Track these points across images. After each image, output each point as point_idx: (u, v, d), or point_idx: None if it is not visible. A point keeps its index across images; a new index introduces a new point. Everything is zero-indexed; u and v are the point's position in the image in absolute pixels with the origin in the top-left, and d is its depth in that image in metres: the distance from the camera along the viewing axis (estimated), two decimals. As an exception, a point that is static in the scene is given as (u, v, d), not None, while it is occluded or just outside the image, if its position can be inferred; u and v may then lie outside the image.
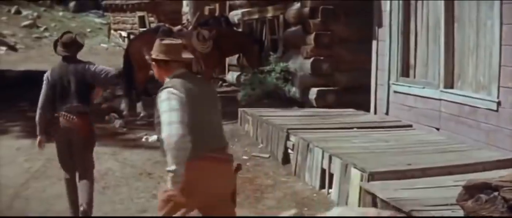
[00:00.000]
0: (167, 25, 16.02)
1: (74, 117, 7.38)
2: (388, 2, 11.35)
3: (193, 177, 4.88)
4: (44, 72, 7.78)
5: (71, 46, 7.75)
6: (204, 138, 5.02)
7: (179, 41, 5.63)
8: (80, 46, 7.91)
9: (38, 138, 7.75)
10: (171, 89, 5.04)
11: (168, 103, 4.96)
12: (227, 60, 18.41)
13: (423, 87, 10.33)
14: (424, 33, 10.56)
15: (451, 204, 6.14)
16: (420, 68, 10.71)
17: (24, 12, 41.25)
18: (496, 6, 8.50)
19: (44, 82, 7.67)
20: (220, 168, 5.16)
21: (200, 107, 5.07)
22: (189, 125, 4.85)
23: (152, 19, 31.38)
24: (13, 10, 41.07)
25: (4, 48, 33.33)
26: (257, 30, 17.15)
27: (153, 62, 5.40)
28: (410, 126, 10.66)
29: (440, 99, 9.81)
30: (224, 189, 5.30)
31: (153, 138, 12.17)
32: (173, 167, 4.74)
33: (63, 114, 7.49)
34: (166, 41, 5.44)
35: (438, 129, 9.93)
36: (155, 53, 5.39)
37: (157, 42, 5.46)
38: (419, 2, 10.66)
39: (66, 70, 7.61)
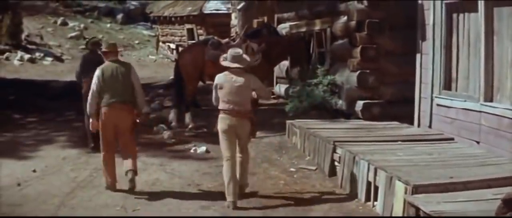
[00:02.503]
0: (216, 37, 16.32)
1: None
2: (432, 16, 11.45)
3: None
4: None
5: (95, 45, 12.97)
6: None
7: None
8: (101, 45, 12.12)
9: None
10: None
11: None
12: (275, 72, 18.65)
13: (465, 101, 10.42)
14: (465, 47, 10.66)
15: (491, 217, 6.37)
16: (462, 82, 10.80)
17: (71, 24, 41.79)
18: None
19: (80, 61, 13.32)
20: None
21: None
22: None
23: (200, 31, 31.56)
24: (59, 22, 41.64)
25: (50, 59, 33.93)
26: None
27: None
28: (452, 139, 10.77)
29: (480, 112, 9.89)
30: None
31: (202, 149, 12.45)
32: None
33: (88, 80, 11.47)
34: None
35: (478, 142, 10.02)
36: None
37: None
38: (461, 16, 10.75)
39: (92, 58, 12.40)
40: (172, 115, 15.08)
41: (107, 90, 9.67)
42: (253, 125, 9.51)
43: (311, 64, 15.98)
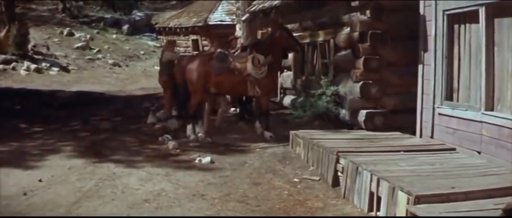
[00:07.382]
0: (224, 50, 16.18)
1: None
2: (433, 27, 11.51)
3: None
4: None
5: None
6: None
7: None
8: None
9: None
10: None
11: None
12: (281, 83, 18.73)
13: (466, 110, 10.48)
14: (466, 58, 10.72)
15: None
16: (463, 92, 10.85)
17: (77, 34, 41.77)
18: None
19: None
20: None
21: None
22: None
23: (205, 42, 31.61)
24: (65, 32, 41.67)
25: (56, 69, 34.01)
26: (308, 54, 17.36)
27: None
28: (454, 149, 10.81)
29: (481, 122, 9.93)
30: None
31: (206, 159, 12.50)
32: None
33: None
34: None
35: (479, 152, 10.06)
36: None
37: None
38: (462, 27, 10.81)
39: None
40: (188, 131, 14.91)
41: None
42: None
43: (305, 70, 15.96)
